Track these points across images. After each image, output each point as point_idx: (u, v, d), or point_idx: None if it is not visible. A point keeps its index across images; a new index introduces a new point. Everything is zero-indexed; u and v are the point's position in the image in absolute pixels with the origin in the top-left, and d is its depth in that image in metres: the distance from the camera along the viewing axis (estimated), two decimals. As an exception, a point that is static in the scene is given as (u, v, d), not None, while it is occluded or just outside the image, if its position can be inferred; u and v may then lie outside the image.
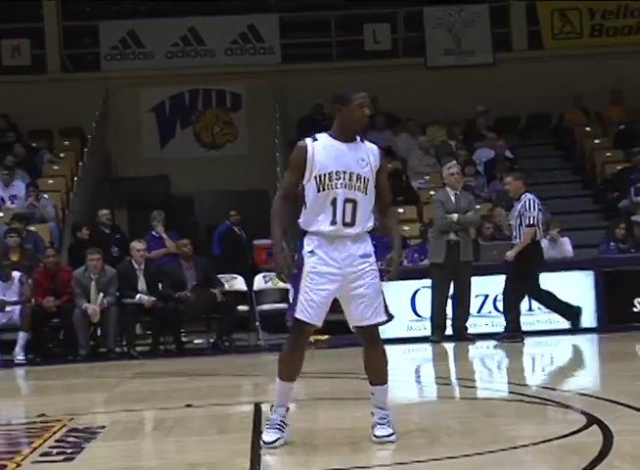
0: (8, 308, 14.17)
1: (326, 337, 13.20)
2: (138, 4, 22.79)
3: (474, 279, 13.51)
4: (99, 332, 14.44)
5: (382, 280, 6.36)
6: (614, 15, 21.78)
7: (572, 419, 6.80)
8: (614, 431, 6.12)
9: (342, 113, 6.25)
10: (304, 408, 7.92)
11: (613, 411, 7.01)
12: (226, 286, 14.69)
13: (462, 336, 13.45)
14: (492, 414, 7.38)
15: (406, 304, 13.99)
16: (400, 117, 20.28)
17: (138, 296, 14.13)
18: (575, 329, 13.47)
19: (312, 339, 13.00)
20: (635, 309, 14.26)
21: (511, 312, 13.24)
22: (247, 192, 19.98)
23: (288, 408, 6.37)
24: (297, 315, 6.16)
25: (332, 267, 6.15)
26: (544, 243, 15.24)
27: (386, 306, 6.43)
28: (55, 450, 6.57)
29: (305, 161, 6.15)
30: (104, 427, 7.52)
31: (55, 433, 7.23)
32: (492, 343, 13.08)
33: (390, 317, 6.46)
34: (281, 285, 12.56)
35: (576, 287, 14.13)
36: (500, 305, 13.73)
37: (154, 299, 14.11)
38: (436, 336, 13.43)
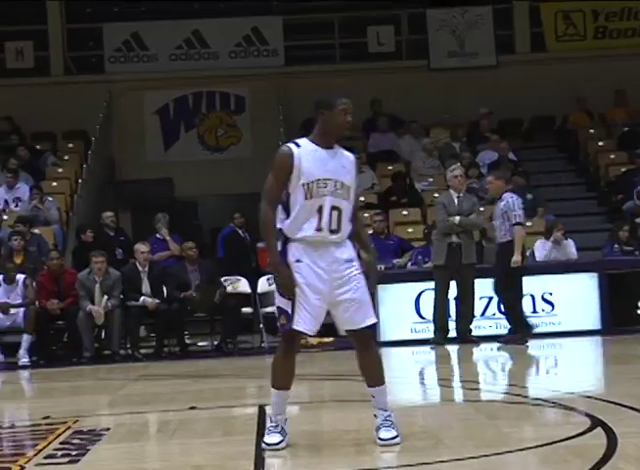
0: (12, 311, 14.18)
1: (331, 339, 13.20)
2: (142, 6, 22.79)
3: (477, 281, 13.50)
4: (103, 334, 14.45)
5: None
6: (617, 17, 21.77)
7: (577, 421, 6.80)
8: (618, 433, 6.12)
9: (324, 117, 6.28)
10: (309, 410, 7.92)
11: (617, 414, 7.01)
12: (230, 288, 14.70)
13: (466, 338, 13.45)
14: (496, 416, 7.38)
15: (410, 306, 13.99)
16: (404, 119, 20.28)
17: (142, 298, 14.14)
18: (508, 341, 13.13)
19: (316, 341, 13.11)
20: (639, 311, 14.25)
21: (512, 314, 13.24)
22: (251, 194, 19.80)
23: (286, 419, 6.35)
24: (298, 327, 6.15)
25: (319, 275, 6.16)
26: (548, 245, 15.29)
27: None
28: (59, 453, 6.58)
29: (292, 167, 6.14)
30: (108, 429, 7.52)
31: (59, 435, 7.23)
32: (497, 345, 13.07)
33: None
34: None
35: (580, 289, 14.12)
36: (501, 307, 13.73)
37: (158, 301, 14.13)
38: (437, 338, 13.43)
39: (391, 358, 12.92)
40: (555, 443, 5.99)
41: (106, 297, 13.97)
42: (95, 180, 19.50)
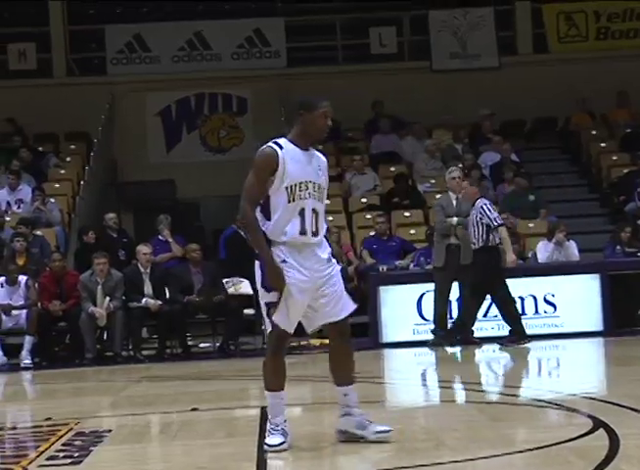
0: (14, 312, 14.19)
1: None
2: (144, 8, 22.81)
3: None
4: (105, 336, 14.46)
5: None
6: (619, 18, 21.75)
7: (579, 423, 6.79)
8: (620, 434, 6.12)
9: (304, 119, 6.31)
10: (310, 412, 7.93)
11: (619, 415, 7.00)
12: (232, 290, 14.69)
13: (468, 339, 13.45)
14: (498, 418, 7.38)
15: (412, 307, 14.00)
16: (406, 120, 20.27)
17: (144, 300, 14.15)
18: (436, 342, 13.22)
19: (319, 342, 13.11)
20: (641, 313, 14.25)
21: (508, 317, 13.24)
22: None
23: (285, 420, 6.34)
24: (284, 327, 6.20)
25: (304, 276, 6.22)
26: (550, 246, 15.29)
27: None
28: (62, 454, 6.58)
29: (276, 169, 6.18)
30: (110, 431, 7.53)
31: (61, 436, 7.24)
32: (498, 346, 13.07)
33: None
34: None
35: (582, 290, 14.11)
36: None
37: (160, 302, 14.13)
38: (436, 340, 13.39)
39: (393, 360, 12.93)
40: (557, 444, 5.98)
41: (108, 298, 13.98)
42: (97, 182, 19.51)
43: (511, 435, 6.51)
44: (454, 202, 13.68)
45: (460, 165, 15.49)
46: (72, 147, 20.35)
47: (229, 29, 21.54)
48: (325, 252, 6.33)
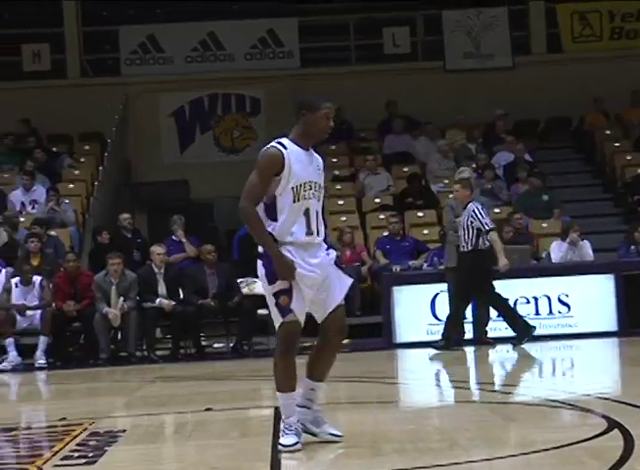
0: (29, 313, 14.23)
1: (346, 341, 13.18)
2: (157, 8, 22.84)
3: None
4: (119, 336, 14.49)
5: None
6: (634, 17, 21.69)
7: (593, 423, 6.78)
8: (635, 435, 6.10)
9: (306, 119, 6.31)
10: (325, 412, 7.91)
11: (634, 415, 6.99)
12: (246, 290, 14.70)
13: (482, 340, 13.44)
14: (512, 418, 7.38)
15: (426, 307, 13.98)
16: (419, 120, 20.27)
17: (158, 300, 14.17)
18: (439, 345, 13.06)
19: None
20: (656, 313, 14.20)
21: (506, 316, 13.20)
22: (266, 196, 19.94)
23: (299, 420, 6.32)
24: (298, 312, 6.18)
25: (312, 273, 6.23)
26: (564, 246, 15.25)
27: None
28: (76, 454, 6.60)
29: (282, 170, 6.18)
30: (125, 431, 7.54)
31: (76, 436, 7.26)
32: (512, 346, 13.04)
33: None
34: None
35: (596, 291, 14.09)
36: (518, 309, 13.68)
37: (174, 303, 14.15)
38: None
39: (407, 360, 12.91)
40: (571, 444, 5.97)
41: (122, 298, 14.01)
42: (111, 182, 19.55)
43: (525, 435, 6.50)
44: (463, 202, 13.62)
45: (473, 165, 15.47)
46: (86, 147, 20.39)
47: (242, 30, 21.56)
48: (324, 249, 6.37)
